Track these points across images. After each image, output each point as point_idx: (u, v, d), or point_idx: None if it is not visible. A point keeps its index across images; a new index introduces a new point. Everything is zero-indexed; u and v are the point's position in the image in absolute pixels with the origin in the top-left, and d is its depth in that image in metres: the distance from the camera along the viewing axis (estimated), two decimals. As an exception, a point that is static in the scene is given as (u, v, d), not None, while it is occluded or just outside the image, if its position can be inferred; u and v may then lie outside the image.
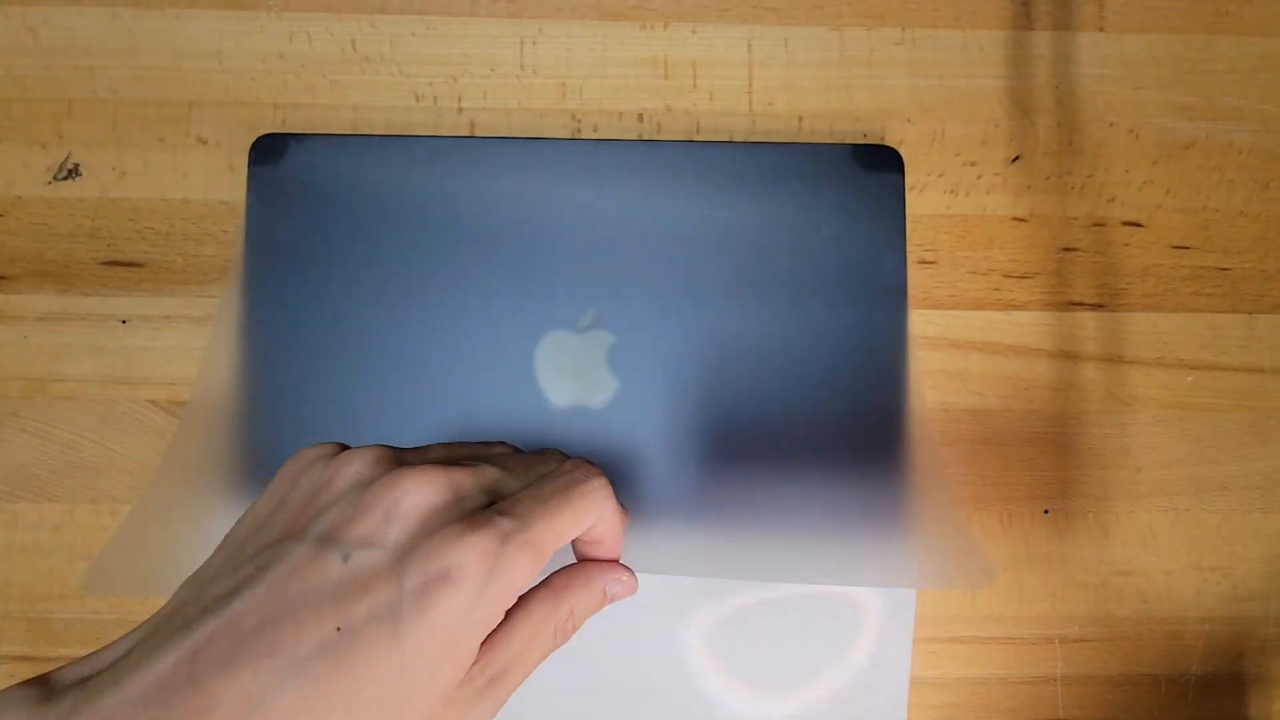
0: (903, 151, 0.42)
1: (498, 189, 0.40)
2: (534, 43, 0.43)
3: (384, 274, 0.39)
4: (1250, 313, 0.43)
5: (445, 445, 0.29)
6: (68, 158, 0.42)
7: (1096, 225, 0.43)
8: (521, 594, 0.27)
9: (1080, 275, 0.43)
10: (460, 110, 0.43)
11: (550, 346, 0.39)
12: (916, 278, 0.42)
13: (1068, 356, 0.42)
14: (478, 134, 0.42)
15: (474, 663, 0.25)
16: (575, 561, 0.30)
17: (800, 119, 0.43)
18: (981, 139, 0.43)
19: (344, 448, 0.27)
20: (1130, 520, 0.42)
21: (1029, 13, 0.44)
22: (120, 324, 0.41)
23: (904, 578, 0.39)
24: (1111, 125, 0.44)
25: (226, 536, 0.26)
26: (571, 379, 0.39)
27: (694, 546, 0.38)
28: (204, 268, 0.41)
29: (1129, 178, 0.44)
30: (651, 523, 0.38)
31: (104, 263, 0.41)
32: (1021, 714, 0.41)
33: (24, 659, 0.39)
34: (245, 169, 0.40)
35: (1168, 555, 0.42)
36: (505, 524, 0.25)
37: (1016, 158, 0.43)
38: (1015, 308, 0.42)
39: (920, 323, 0.42)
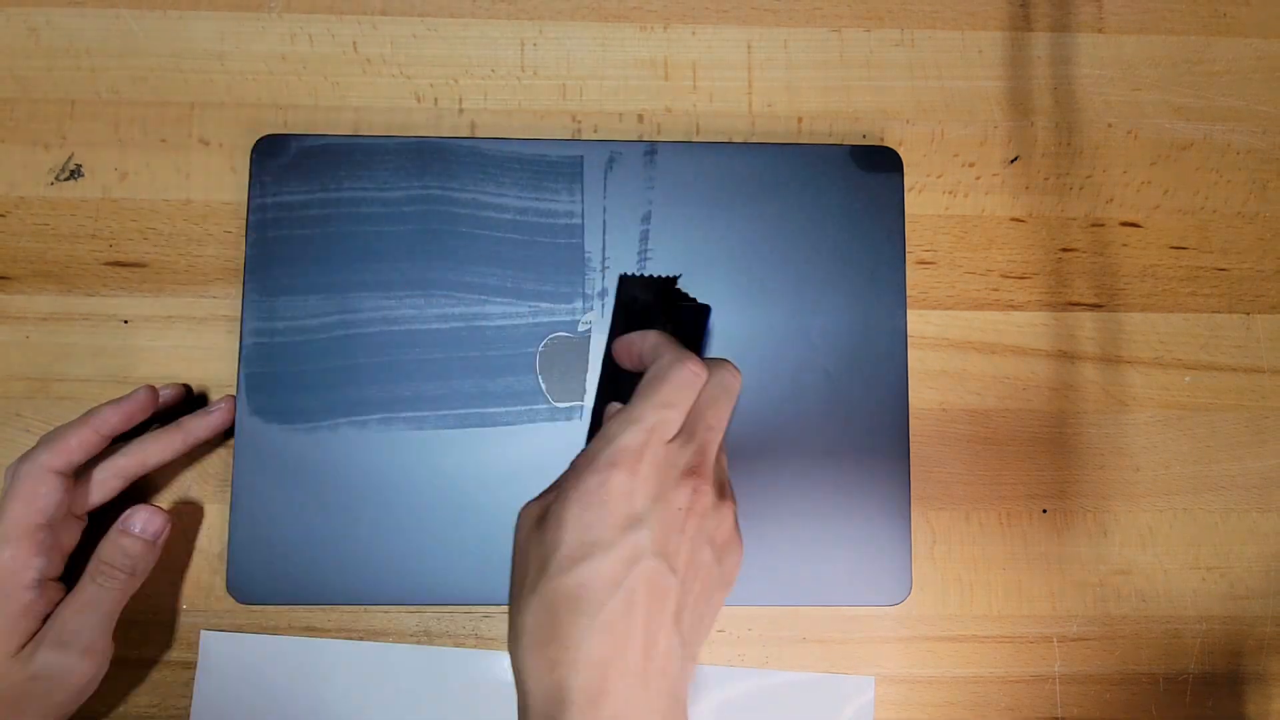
0: (902, 152, 0.42)
1: (498, 190, 0.40)
2: (534, 44, 0.43)
3: (385, 274, 0.39)
4: (1248, 313, 0.43)
5: None
6: (70, 158, 0.42)
7: (1095, 226, 0.43)
8: None
9: (1079, 275, 0.43)
10: (461, 111, 0.43)
11: (551, 348, 0.40)
12: (916, 278, 0.42)
13: (1066, 357, 0.42)
14: (478, 135, 0.43)
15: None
16: None
17: (800, 120, 0.43)
18: (980, 140, 0.44)
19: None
20: (1128, 520, 0.42)
21: (1028, 14, 0.44)
22: (122, 324, 0.41)
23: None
24: (1110, 126, 0.44)
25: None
26: (572, 380, 0.39)
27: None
28: (206, 268, 0.41)
29: (1127, 178, 0.44)
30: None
31: (106, 263, 0.41)
32: (1020, 712, 0.41)
33: (26, 658, 0.39)
34: (247, 170, 0.40)
35: (1166, 555, 0.42)
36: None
37: (1015, 158, 0.44)
38: (1014, 308, 0.43)
39: (920, 323, 0.42)
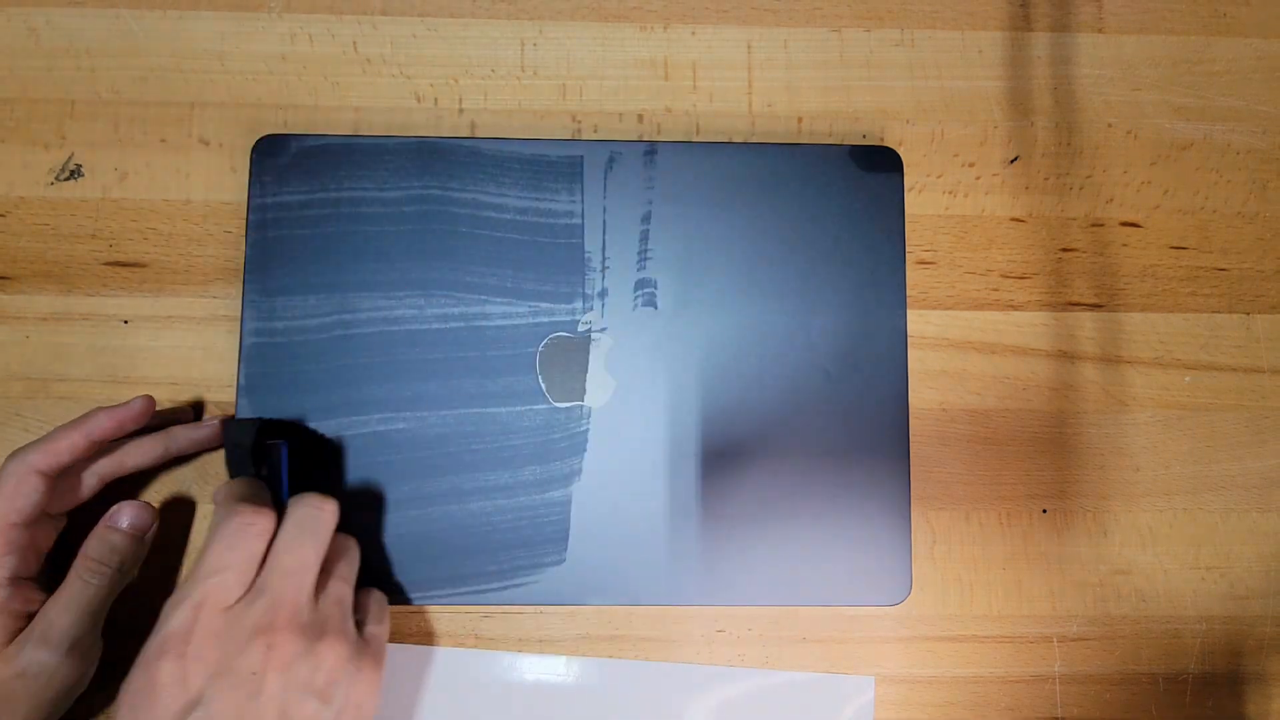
0: (902, 152, 0.42)
1: (498, 190, 0.40)
2: (534, 44, 0.43)
3: (385, 274, 0.39)
4: (1248, 313, 0.43)
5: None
6: (70, 158, 0.42)
7: (1095, 226, 0.43)
8: None
9: (1078, 275, 0.43)
10: (461, 111, 0.43)
11: (551, 348, 0.40)
12: (916, 278, 0.42)
13: (1066, 357, 0.42)
14: (478, 135, 0.43)
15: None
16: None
17: (800, 120, 0.43)
18: (980, 140, 0.44)
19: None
20: (1128, 520, 0.42)
21: (1027, 14, 0.44)
22: (122, 324, 0.41)
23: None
24: (1110, 126, 0.44)
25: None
26: (572, 380, 0.39)
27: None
28: (206, 268, 0.41)
29: (1127, 178, 0.44)
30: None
31: (106, 263, 0.41)
32: (1020, 712, 0.41)
33: (26, 658, 0.39)
34: (247, 170, 0.40)
35: (1165, 554, 0.42)
36: None
37: (1015, 158, 0.44)
38: (1014, 308, 0.43)
39: (920, 323, 0.42)
